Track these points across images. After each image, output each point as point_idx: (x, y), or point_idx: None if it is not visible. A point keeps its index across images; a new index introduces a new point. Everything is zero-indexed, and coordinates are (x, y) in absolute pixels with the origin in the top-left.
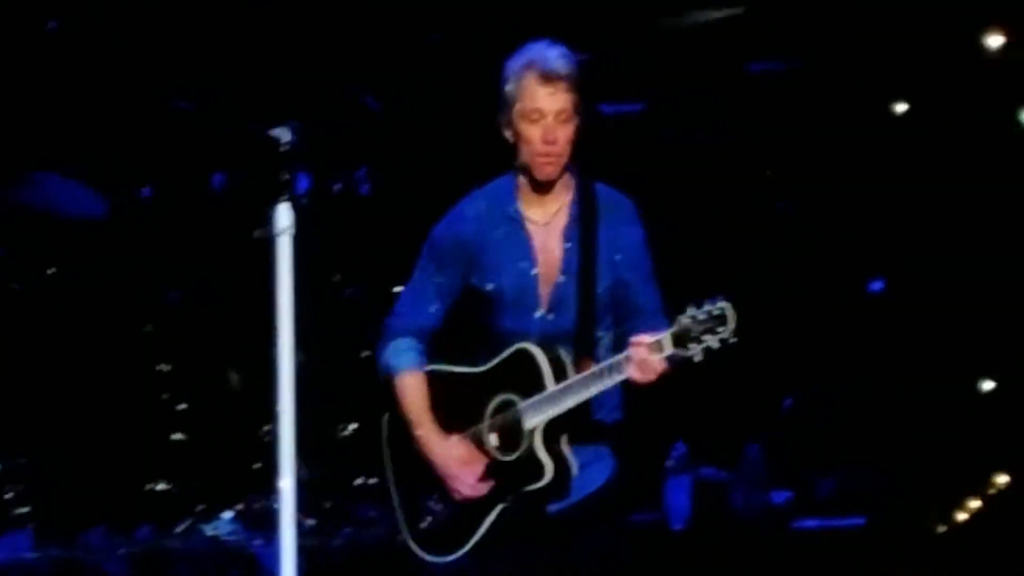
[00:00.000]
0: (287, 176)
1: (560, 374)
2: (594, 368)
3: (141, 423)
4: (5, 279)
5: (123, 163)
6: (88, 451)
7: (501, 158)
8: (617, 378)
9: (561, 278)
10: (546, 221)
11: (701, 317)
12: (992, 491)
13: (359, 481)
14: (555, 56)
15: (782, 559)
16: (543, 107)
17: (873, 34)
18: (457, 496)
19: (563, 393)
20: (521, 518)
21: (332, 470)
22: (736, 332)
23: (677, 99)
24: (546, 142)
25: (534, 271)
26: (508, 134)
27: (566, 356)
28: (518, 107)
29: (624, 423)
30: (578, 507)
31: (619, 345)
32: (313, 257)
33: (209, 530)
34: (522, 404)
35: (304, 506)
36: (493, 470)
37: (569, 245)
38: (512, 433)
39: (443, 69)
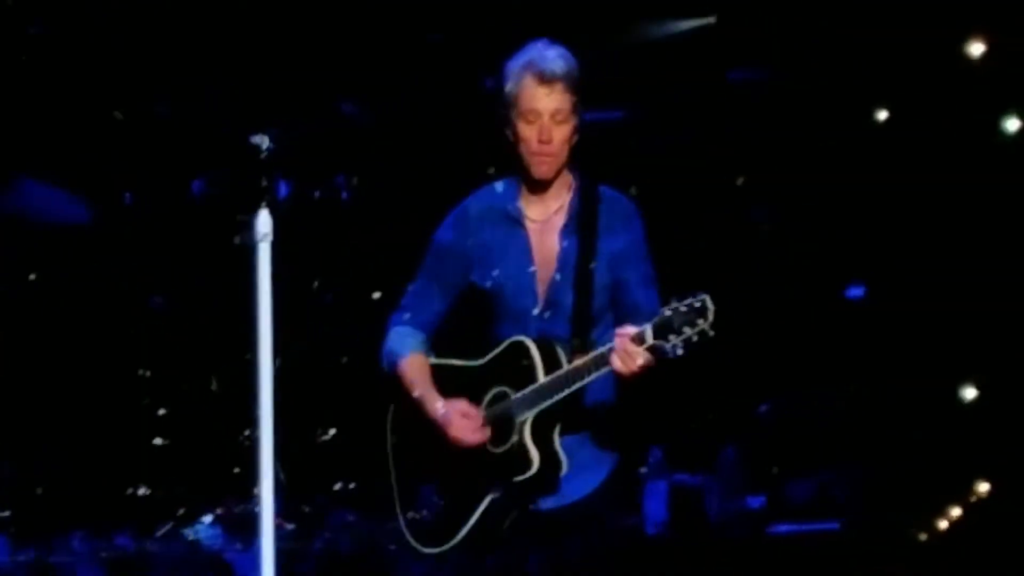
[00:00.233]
0: (267, 183)
1: (553, 367)
2: (579, 361)
3: (122, 428)
4: None
5: (104, 169)
6: (69, 455)
7: (483, 164)
8: (603, 370)
9: (557, 276)
10: (545, 220)
11: (682, 309)
12: (969, 495)
13: (338, 486)
14: (552, 57)
15: (757, 564)
16: (539, 107)
17: (853, 41)
18: (458, 445)
19: (552, 385)
20: (510, 512)
21: (311, 475)
22: (715, 325)
23: (657, 107)
24: (541, 141)
25: (532, 269)
26: (508, 133)
27: (561, 350)
28: (516, 107)
29: (620, 427)
30: (570, 509)
31: None
32: (293, 263)
33: (190, 534)
34: (514, 396)
35: (283, 511)
36: (484, 461)
37: (566, 244)
38: (504, 425)
39: (424, 75)
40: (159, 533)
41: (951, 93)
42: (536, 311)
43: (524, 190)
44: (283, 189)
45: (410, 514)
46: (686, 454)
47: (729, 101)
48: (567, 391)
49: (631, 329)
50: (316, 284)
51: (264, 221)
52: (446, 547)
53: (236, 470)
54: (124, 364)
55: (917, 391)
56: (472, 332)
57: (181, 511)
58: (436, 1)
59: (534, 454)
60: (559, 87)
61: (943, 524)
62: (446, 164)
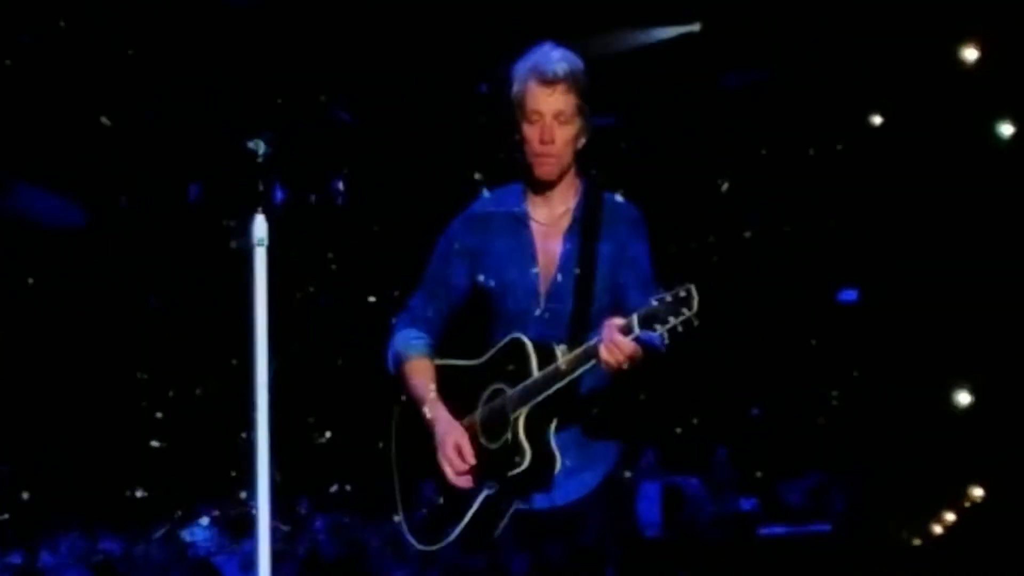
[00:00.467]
0: (263, 187)
1: (547, 363)
2: (569, 355)
3: (119, 430)
4: None
5: (101, 173)
6: (66, 457)
7: (475, 167)
8: (591, 362)
9: (558, 277)
10: (550, 222)
11: (668, 299)
12: (960, 499)
13: (334, 488)
14: (556, 58)
15: (749, 566)
16: (541, 108)
17: (848, 45)
18: (447, 477)
19: (544, 380)
20: (505, 508)
21: (308, 477)
22: (700, 315)
23: (649, 111)
24: (543, 142)
25: (535, 270)
26: (516, 136)
27: (557, 347)
28: (521, 109)
29: (614, 427)
30: (564, 511)
31: None
32: (289, 267)
33: (186, 536)
34: (509, 392)
35: (279, 513)
36: (480, 457)
37: (568, 246)
38: (499, 421)
39: (420, 79)
40: (156, 535)
41: (945, 97)
42: (537, 312)
43: (530, 192)
44: (279, 194)
45: (410, 512)
46: (679, 456)
47: (722, 104)
48: (557, 385)
49: (618, 320)
50: (311, 288)
51: (260, 225)
52: (443, 544)
53: (233, 473)
54: (120, 367)
55: (910, 393)
56: (473, 332)
57: (178, 513)
58: (432, 6)
59: (526, 448)
60: (561, 88)
61: (936, 527)
62: (443, 168)
